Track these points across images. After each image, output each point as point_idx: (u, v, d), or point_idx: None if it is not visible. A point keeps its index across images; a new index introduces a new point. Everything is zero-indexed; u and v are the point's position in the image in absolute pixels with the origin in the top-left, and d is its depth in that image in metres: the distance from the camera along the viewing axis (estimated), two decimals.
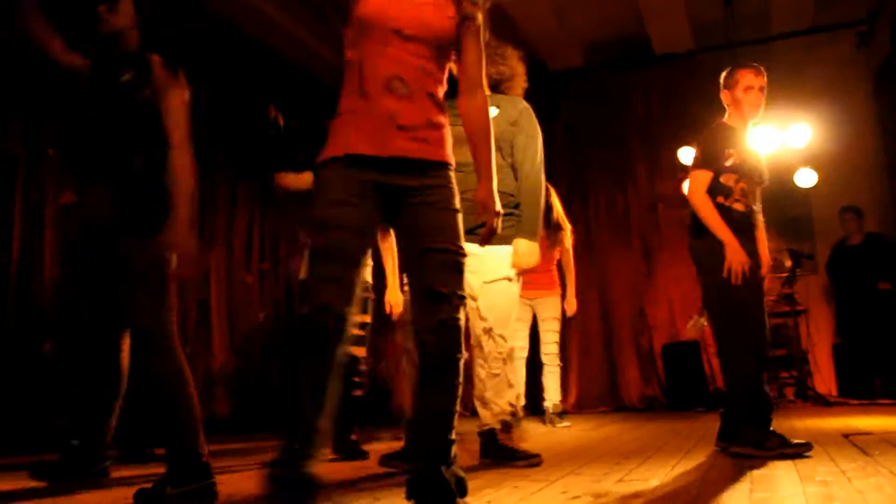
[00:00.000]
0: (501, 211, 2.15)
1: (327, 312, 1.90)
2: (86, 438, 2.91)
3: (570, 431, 4.91)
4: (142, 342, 2.52)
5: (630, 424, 5.29)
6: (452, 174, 2.06)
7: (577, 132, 8.07)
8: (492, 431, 3.08)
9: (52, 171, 4.63)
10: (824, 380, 6.80)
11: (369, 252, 2.04)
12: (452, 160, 2.07)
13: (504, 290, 3.09)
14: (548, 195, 4.70)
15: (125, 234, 2.55)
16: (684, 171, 5.82)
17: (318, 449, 1.89)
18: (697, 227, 3.28)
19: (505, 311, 3.10)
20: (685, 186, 3.50)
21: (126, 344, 2.80)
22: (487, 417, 3.08)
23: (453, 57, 2.15)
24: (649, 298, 7.63)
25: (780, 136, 6.84)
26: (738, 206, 3.26)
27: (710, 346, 6.19)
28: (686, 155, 6.87)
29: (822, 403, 6.16)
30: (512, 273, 3.10)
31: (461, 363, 1.99)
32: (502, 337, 3.08)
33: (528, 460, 2.97)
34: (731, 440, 3.11)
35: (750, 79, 3.35)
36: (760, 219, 3.42)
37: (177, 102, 2.63)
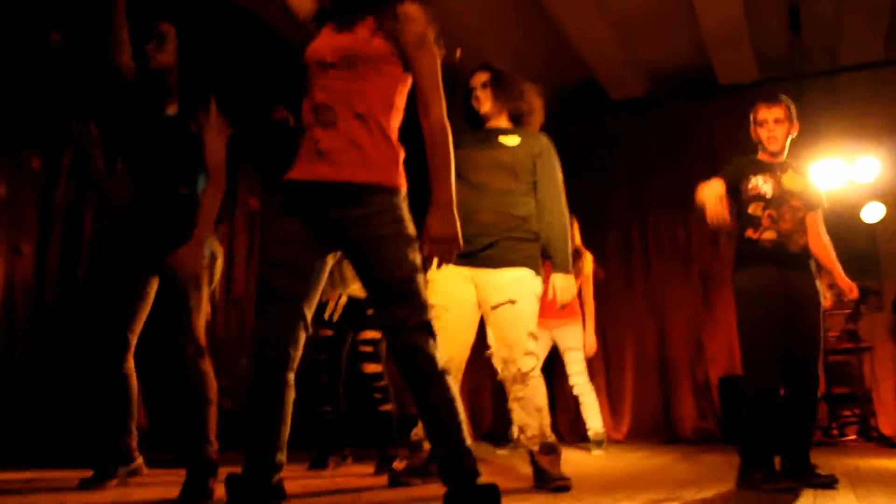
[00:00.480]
0: (455, 242, 2.06)
1: (268, 348, 2.01)
2: (116, 439, 2.98)
3: (625, 459, 4.86)
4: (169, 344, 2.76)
5: (684, 454, 5.22)
6: (394, 197, 2.05)
7: (639, 161, 8.02)
8: (531, 454, 3.08)
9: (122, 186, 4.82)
10: (890, 421, 6.59)
11: (315, 287, 2.08)
12: (391, 180, 2.06)
13: (509, 313, 3.05)
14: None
15: (166, 246, 2.74)
16: None
17: (275, 464, 1.99)
18: (734, 261, 3.29)
19: (512, 335, 3.05)
20: None
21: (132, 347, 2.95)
22: (524, 441, 3.10)
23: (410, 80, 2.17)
24: (708, 331, 7.49)
25: (847, 170, 6.71)
26: (769, 235, 3.23)
27: None
28: None
29: (888, 445, 5.98)
30: (517, 295, 3.06)
31: (443, 376, 1.99)
32: (513, 360, 3.04)
33: (553, 483, 2.94)
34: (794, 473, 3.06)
35: (763, 112, 3.36)
36: (822, 243, 3.37)
37: (219, 140, 2.86)
